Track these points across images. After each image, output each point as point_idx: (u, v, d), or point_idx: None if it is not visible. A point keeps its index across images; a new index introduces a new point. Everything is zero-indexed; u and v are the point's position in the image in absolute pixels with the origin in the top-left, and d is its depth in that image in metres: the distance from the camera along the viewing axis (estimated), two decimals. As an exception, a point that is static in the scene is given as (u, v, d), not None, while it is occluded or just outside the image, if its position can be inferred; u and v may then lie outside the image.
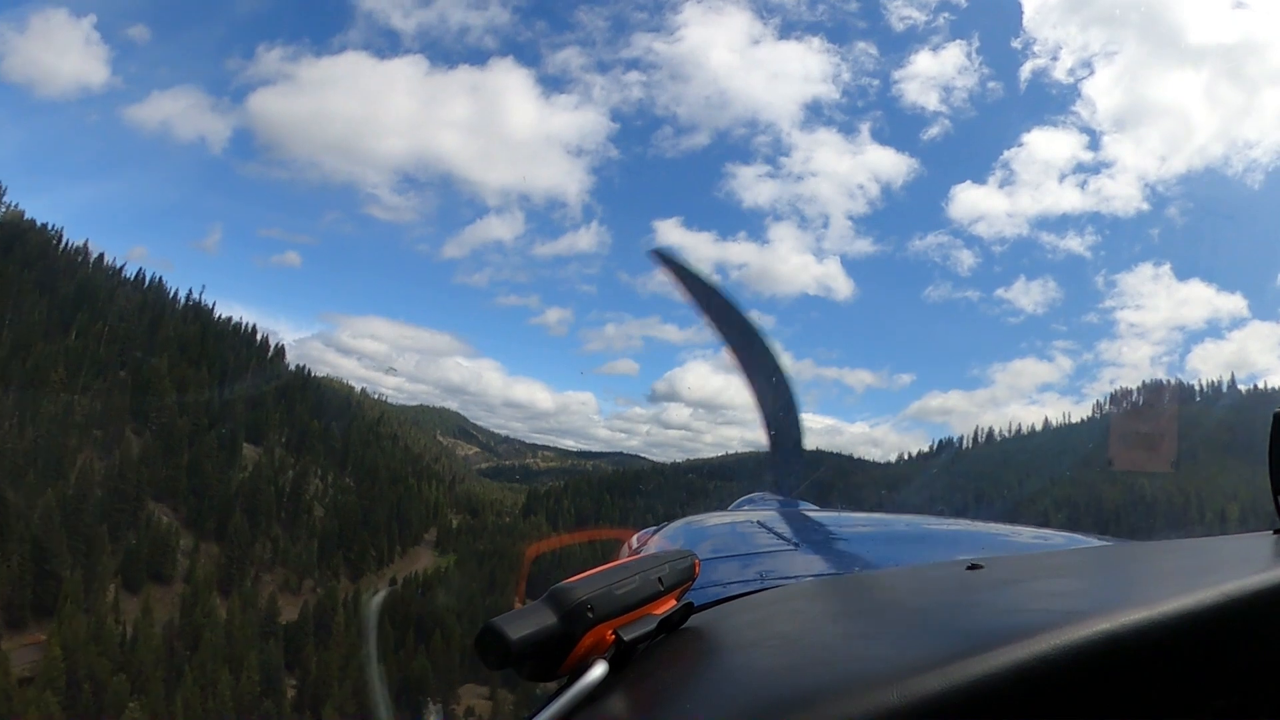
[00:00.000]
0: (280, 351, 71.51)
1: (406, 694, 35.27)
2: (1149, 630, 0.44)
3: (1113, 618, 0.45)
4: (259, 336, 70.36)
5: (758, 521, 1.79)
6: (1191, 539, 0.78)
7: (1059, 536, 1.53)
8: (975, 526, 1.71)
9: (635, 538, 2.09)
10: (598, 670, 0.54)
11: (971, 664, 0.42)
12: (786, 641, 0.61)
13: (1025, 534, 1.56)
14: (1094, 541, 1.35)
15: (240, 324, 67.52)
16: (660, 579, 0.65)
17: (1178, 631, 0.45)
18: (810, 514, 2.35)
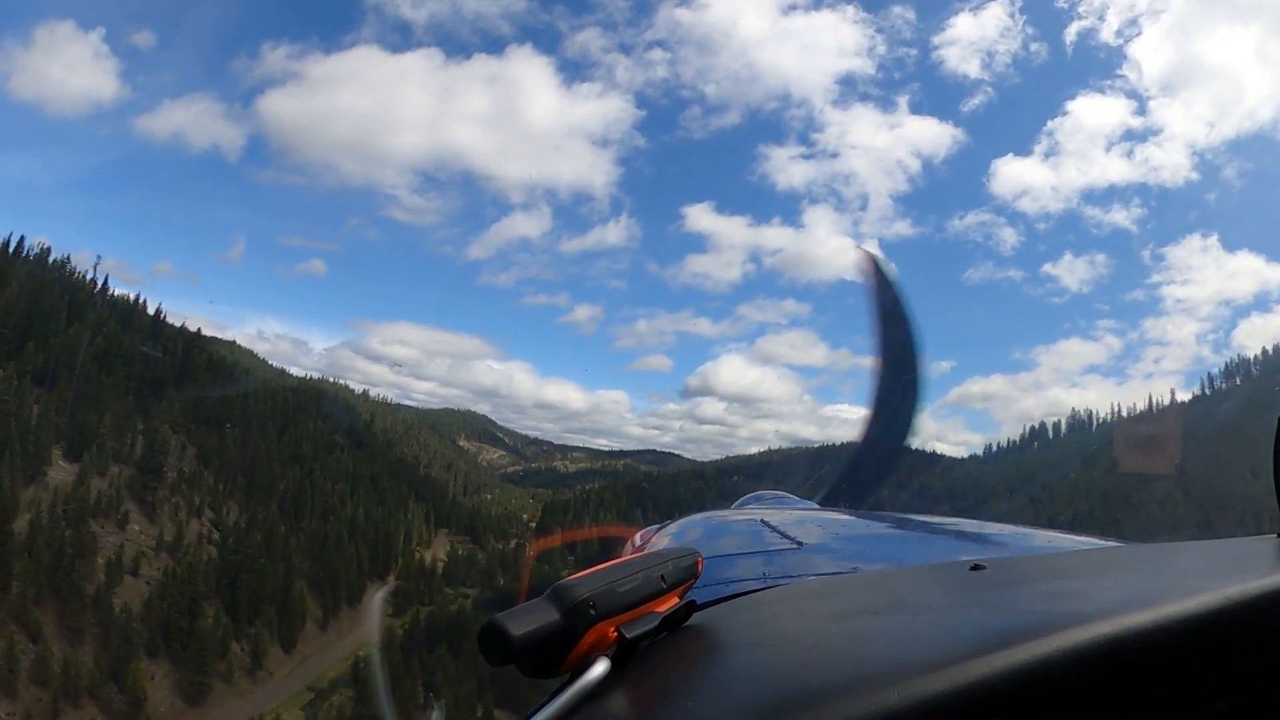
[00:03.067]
0: (172, 328, 53.02)
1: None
2: (1151, 633, 0.44)
3: (1114, 620, 0.44)
4: (143, 303, 52.09)
5: (761, 520, 1.80)
6: (1195, 541, 0.80)
7: (1064, 538, 1.50)
8: (979, 527, 1.70)
9: (639, 535, 2.18)
10: (599, 668, 0.54)
11: (973, 665, 0.41)
12: (789, 640, 0.61)
13: (1029, 535, 1.57)
14: (1098, 543, 1.35)
15: (104, 286, 49.44)
16: (663, 576, 0.65)
17: (1180, 634, 0.45)
18: (815, 513, 2.38)
